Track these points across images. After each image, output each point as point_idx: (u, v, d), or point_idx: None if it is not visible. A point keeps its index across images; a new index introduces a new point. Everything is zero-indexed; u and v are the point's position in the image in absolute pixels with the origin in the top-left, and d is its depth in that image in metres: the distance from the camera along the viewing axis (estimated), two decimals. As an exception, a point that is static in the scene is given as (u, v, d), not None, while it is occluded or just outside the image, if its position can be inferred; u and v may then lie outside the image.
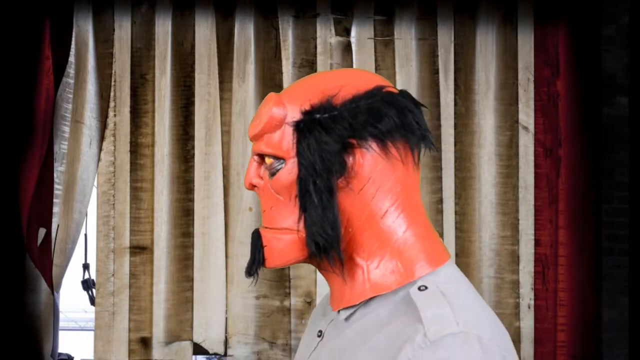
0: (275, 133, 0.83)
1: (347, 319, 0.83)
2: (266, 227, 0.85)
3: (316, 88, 0.84)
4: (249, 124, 0.88)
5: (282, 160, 0.83)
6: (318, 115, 0.81)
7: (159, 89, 2.87)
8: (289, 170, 0.83)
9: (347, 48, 2.92)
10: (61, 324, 3.01)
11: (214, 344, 2.85)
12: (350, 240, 0.82)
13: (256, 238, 0.85)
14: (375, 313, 0.80)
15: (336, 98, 0.82)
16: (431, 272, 0.80)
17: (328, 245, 0.81)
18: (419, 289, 0.79)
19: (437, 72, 2.91)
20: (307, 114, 0.82)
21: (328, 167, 0.80)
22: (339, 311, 0.85)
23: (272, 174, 0.84)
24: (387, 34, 2.93)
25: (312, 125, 0.81)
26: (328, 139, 0.80)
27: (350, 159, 0.81)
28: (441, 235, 2.85)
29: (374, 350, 0.76)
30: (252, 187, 0.87)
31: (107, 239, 2.85)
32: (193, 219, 2.85)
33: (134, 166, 2.86)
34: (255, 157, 0.87)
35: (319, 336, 0.87)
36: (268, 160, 0.84)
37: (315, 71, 2.89)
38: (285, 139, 0.83)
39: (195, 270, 2.84)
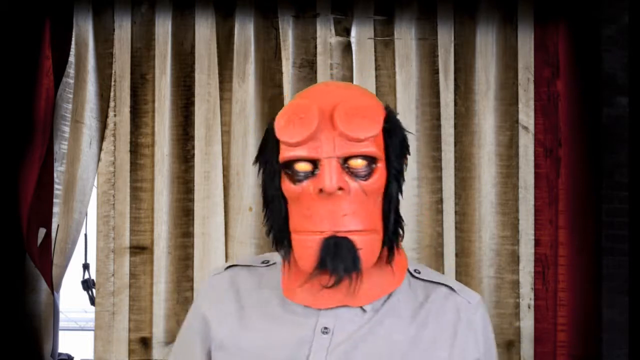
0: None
1: (366, 310, 0.93)
2: (348, 231, 0.85)
3: (374, 100, 0.93)
4: (354, 123, 0.86)
5: (374, 164, 0.87)
6: (388, 125, 0.90)
7: (159, 89, 2.87)
8: (381, 172, 0.88)
9: (347, 48, 2.92)
10: (61, 324, 3.01)
11: (214, 344, 2.85)
12: None
13: (350, 245, 0.85)
14: (392, 301, 0.94)
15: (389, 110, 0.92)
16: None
17: (397, 243, 0.92)
18: (417, 272, 0.99)
19: (437, 72, 2.91)
20: (386, 121, 0.89)
21: (402, 169, 0.92)
22: (362, 307, 0.93)
23: (365, 176, 0.87)
24: (387, 34, 2.93)
25: (395, 130, 0.90)
26: (399, 143, 0.91)
27: (404, 161, 0.93)
28: (441, 235, 2.85)
29: (428, 323, 0.93)
30: (339, 189, 0.86)
31: (107, 239, 2.85)
32: (193, 219, 2.85)
33: (134, 166, 2.86)
34: (340, 160, 0.86)
35: (325, 333, 0.90)
36: (360, 163, 0.86)
37: (315, 71, 2.89)
38: (379, 142, 0.89)
39: (195, 270, 2.84)
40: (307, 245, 0.86)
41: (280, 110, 0.93)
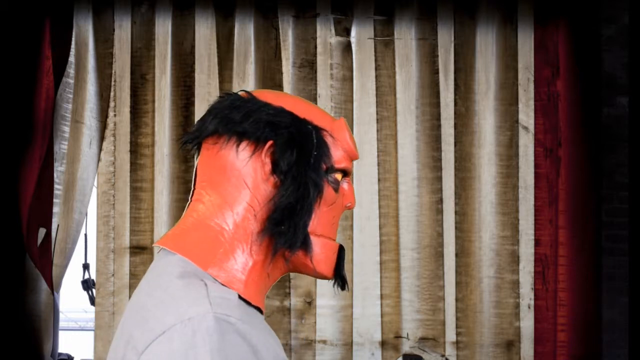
0: None
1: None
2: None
3: None
4: (355, 146, 0.93)
5: None
6: None
7: (159, 89, 2.87)
8: None
9: (347, 48, 2.92)
10: (61, 324, 3.01)
11: (214, 344, 2.85)
12: None
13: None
14: None
15: None
16: None
17: None
18: None
19: (437, 72, 2.91)
20: None
21: None
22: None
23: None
24: (387, 34, 2.93)
25: None
26: None
27: None
28: (441, 235, 2.85)
29: None
30: None
31: (107, 239, 2.84)
32: (193, 219, 2.84)
33: (134, 166, 2.86)
34: None
35: None
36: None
37: (315, 71, 2.89)
38: None
39: (195, 270, 2.84)
40: (333, 250, 0.90)
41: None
